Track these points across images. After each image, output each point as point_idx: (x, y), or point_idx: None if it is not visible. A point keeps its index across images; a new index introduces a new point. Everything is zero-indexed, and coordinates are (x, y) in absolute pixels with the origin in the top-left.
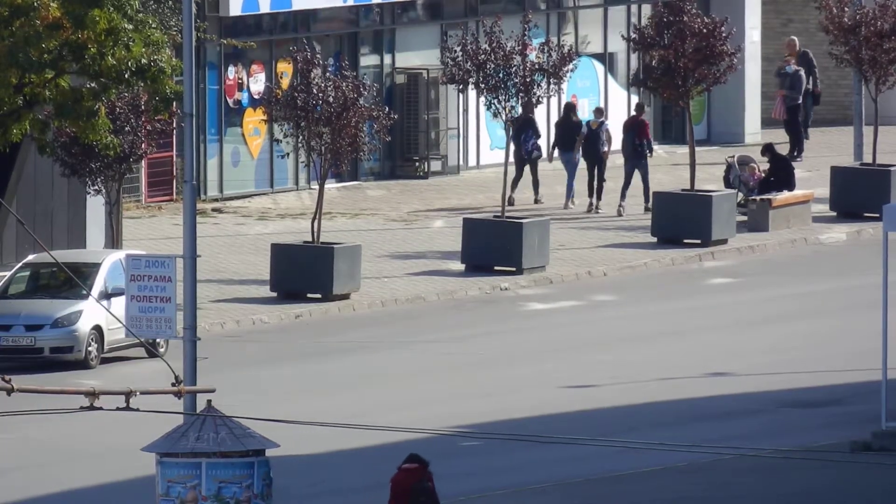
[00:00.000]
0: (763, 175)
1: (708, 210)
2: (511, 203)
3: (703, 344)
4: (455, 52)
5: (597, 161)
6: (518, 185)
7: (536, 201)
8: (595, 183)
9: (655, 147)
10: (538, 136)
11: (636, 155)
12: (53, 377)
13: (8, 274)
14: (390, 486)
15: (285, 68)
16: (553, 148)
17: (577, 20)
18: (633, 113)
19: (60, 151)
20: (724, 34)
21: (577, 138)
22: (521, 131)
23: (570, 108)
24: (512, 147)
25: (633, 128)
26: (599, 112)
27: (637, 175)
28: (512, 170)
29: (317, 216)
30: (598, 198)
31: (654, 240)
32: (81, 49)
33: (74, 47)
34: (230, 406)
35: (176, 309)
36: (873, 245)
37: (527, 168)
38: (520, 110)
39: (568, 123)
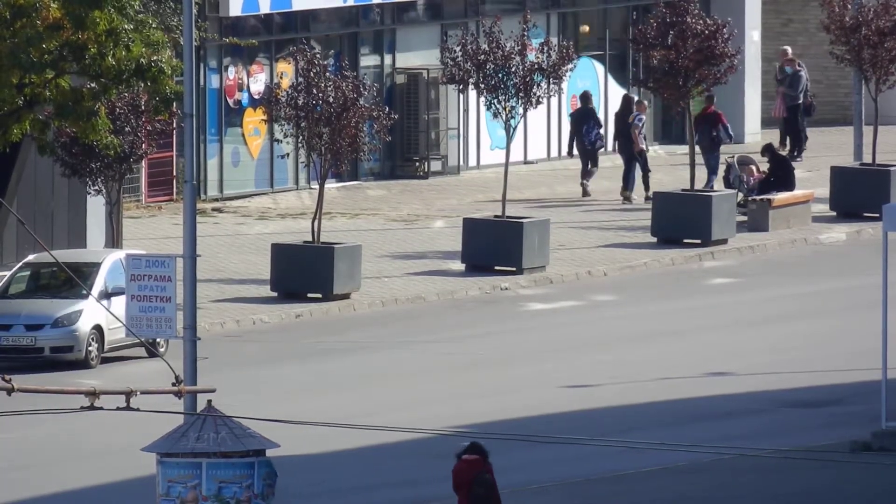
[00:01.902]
0: (763, 175)
1: (708, 210)
2: (587, 194)
3: (703, 344)
4: (455, 52)
5: (632, 155)
6: (589, 174)
7: (586, 194)
8: (628, 174)
9: (656, 147)
10: (600, 127)
11: (714, 146)
12: (53, 377)
13: (8, 274)
14: (452, 476)
15: (285, 68)
16: (615, 140)
17: (578, 20)
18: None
19: (60, 151)
20: (725, 35)
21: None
22: (583, 122)
23: (628, 101)
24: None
25: (707, 120)
26: (640, 104)
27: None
28: (511, 170)
29: (317, 216)
30: (628, 188)
31: (654, 240)
32: (82, 49)
33: (75, 48)
34: (230, 406)
35: (176, 309)
36: (873, 245)
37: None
38: (521, 111)
39: (626, 116)
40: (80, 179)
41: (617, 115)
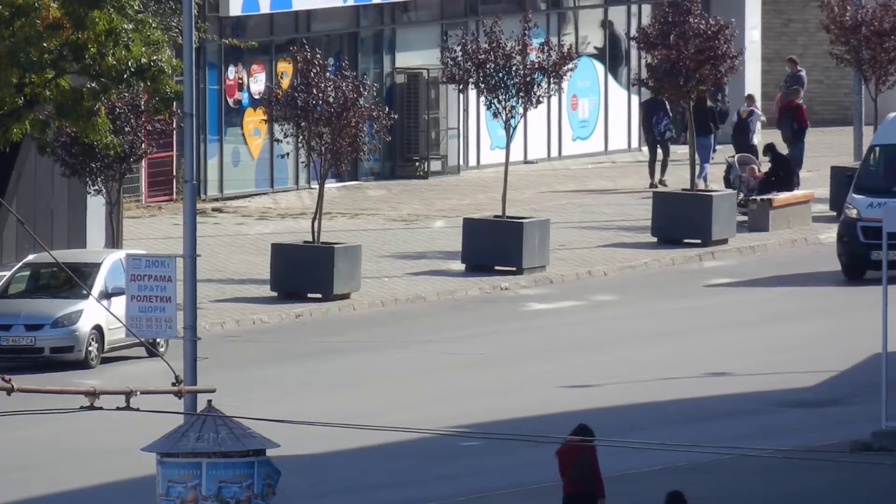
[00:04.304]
0: (763, 175)
1: (708, 210)
2: (654, 186)
3: (703, 344)
4: (455, 51)
5: (748, 151)
6: (655, 167)
7: (661, 182)
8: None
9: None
10: (670, 118)
11: (795, 137)
12: (53, 377)
13: (8, 274)
14: (557, 459)
15: (285, 68)
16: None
17: (578, 20)
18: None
19: (60, 151)
20: (727, 36)
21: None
22: (653, 113)
23: (702, 94)
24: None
25: (790, 112)
26: (751, 100)
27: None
28: (511, 170)
29: (317, 216)
30: None
31: (654, 240)
32: (82, 49)
33: (75, 47)
34: (230, 406)
35: (176, 309)
36: None
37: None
38: (521, 110)
39: (701, 108)
40: (80, 179)
41: (693, 108)
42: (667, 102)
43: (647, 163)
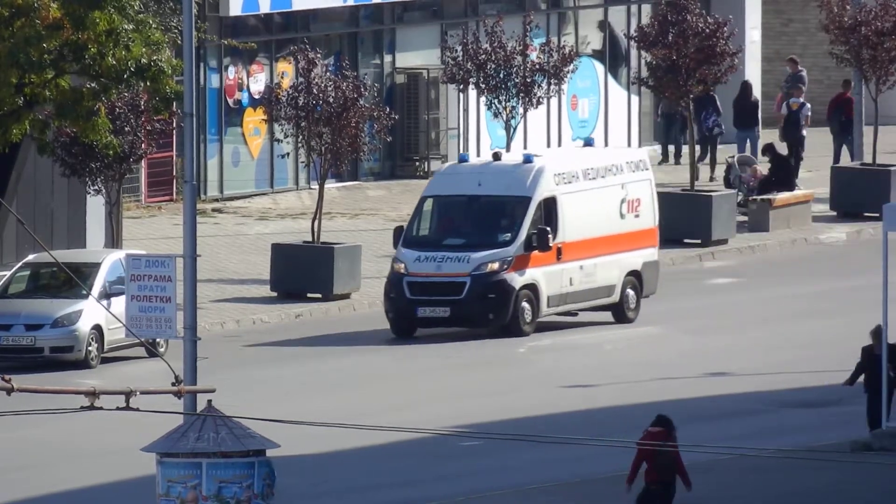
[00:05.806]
0: (763, 175)
1: (708, 210)
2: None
3: (702, 344)
4: (456, 51)
5: (797, 142)
6: (704, 161)
7: (711, 179)
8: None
9: (656, 146)
10: (719, 114)
11: (844, 131)
12: (53, 377)
13: (8, 274)
14: (637, 450)
15: (285, 68)
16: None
17: (578, 20)
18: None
19: (60, 151)
20: (726, 34)
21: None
22: (702, 108)
23: (747, 87)
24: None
25: (840, 105)
26: (800, 92)
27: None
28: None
29: (317, 216)
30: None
31: None
32: (82, 49)
33: (75, 47)
34: (230, 406)
35: (176, 309)
36: (873, 245)
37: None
38: (521, 110)
39: (745, 102)
40: (79, 179)
41: (735, 101)
42: (716, 98)
43: (697, 157)
